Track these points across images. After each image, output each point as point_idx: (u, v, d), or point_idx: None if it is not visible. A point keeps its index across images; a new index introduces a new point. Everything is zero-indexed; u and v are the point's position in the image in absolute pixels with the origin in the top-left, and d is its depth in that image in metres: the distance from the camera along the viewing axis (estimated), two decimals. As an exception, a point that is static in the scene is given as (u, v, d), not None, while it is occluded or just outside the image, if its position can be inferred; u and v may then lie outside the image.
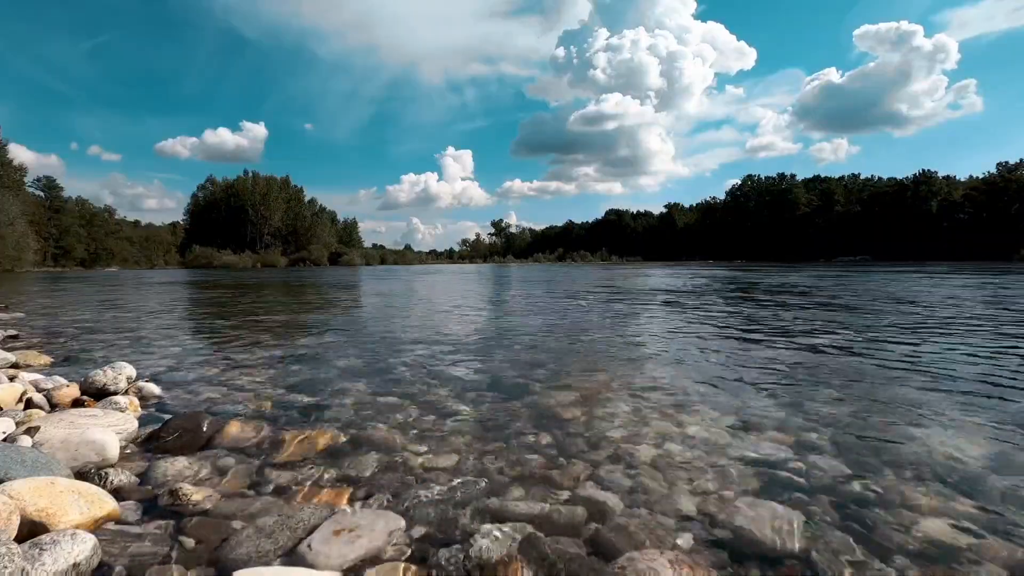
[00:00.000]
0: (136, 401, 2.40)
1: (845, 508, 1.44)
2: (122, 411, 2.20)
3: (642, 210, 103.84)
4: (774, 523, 1.34)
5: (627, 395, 2.62)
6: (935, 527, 1.33)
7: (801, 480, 1.62)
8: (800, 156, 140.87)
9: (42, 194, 57.74)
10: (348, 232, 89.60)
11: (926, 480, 1.61)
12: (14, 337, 4.52)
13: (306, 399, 2.56)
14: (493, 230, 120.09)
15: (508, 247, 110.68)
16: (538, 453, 1.85)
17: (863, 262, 47.17)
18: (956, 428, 2.08)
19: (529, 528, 1.34)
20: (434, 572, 1.17)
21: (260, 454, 1.84)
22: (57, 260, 54.80)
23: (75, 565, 1.08)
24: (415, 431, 2.09)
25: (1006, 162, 61.09)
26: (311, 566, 1.16)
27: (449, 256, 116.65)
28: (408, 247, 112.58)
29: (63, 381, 2.56)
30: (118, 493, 1.49)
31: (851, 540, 1.28)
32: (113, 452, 1.72)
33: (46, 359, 3.47)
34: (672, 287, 12.20)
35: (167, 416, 2.20)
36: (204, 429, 1.99)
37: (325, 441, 1.95)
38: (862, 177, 75.87)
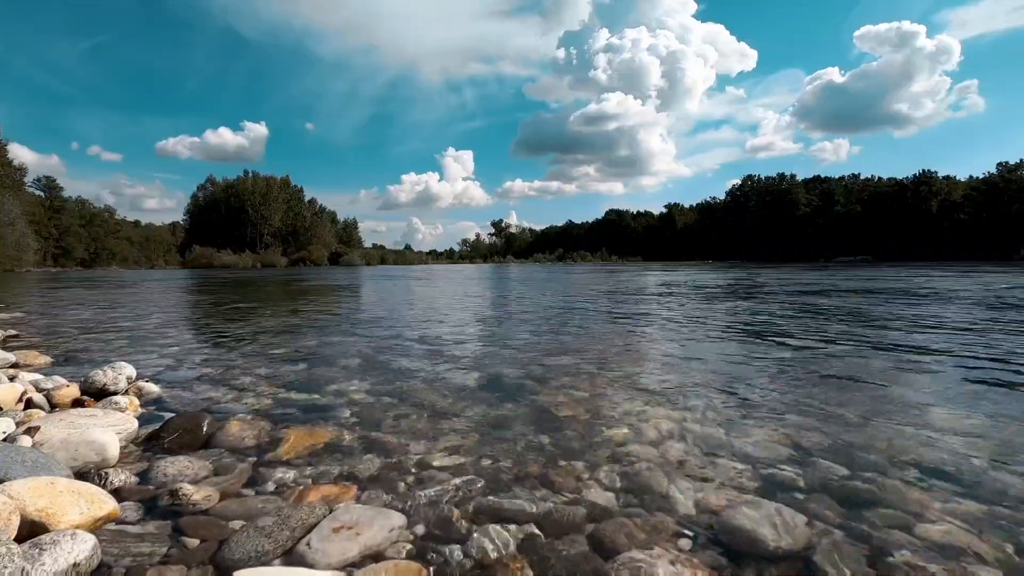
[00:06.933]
0: (136, 401, 2.40)
1: (845, 507, 1.44)
2: (122, 411, 2.20)
3: (642, 210, 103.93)
4: (774, 523, 1.33)
5: (627, 395, 2.62)
6: (935, 526, 1.33)
7: (801, 479, 1.62)
8: (801, 156, 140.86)
9: (42, 194, 57.81)
10: (348, 232, 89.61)
11: (926, 479, 1.61)
12: (14, 337, 4.52)
13: (306, 398, 2.56)
14: (493, 230, 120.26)
15: (508, 247, 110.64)
16: (538, 452, 1.85)
17: (863, 262, 47.16)
18: (957, 427, 2.08)
19: (529, 527, 1.34)
20: (434, 570, 1.17)
21: (260, 453, 1.84)
22: (57, 260, 54.81)
23: (75, 565, 1.08)
24: (415, 430, 2.09)
25: (1006, 162, 61.10)
26: (311, 565, 1.16)
27: (449, 256, 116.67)
28: (408, 247, 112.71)
29: (63, 381, 2.56)
30: (118, 493, 1.49)
31: (851, 540, 1.28)
32: (113, 452, 1.72)
33: (46, 359, 3.47)
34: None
35: (167, 415, 2.20)
36: (204, 428, 1.99)
37: (325, 440, 1.95)
38: (862, 177, 75.78)
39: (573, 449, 1.89)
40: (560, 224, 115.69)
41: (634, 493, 1.54)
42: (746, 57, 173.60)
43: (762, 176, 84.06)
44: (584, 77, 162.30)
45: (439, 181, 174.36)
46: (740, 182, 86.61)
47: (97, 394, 2.44)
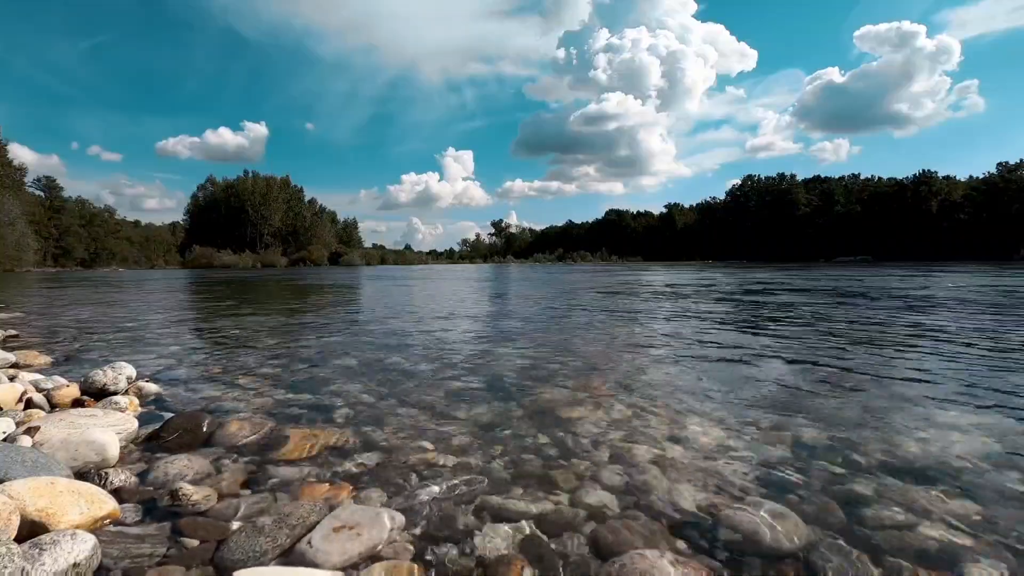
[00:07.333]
0: (136, 401, 2.40)
1: (844, 508, 1.44)
2: (122, 411, 2.19)
3: (642, 210, 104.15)
4: (773, 523, 1.33)
5: (627, 396, 2.62)
6: (934, 527, 1.33)
7: (800, 480, 1.62)
8: (800, 156, 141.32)
9: (42, 194, 57.93)
10: (348, 232, 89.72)
11: (925, 479, 1.61)
12: (14, 337, 4.51)
13: (306, 398, 2.56)
14: (493, 230, 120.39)
15: (508, 247, 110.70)
16: (538, 453, 1.85)
17: (863, 262, 47.17)
18: (956, 427, 2.08)
19: (529, 527, 1.34)
20: (435, 570, 1.17)
21: (260, 452, 1.84)
22: (57, 260, 54.86)
23: (75, 565, 1.07)
24: (415, 430, 2.09)
25: (1006, 162, 61.15)
26: (311, 564, 1.16)
27: (449, 256, 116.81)
28: (408, 247, 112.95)
29: (63, 381, 2.56)
30: (118, 493, 1.49)
31: (850, 540, 1.27)
32: (113, 452, 1.72)
33: (46, 359, 3.47)
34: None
35: (167, 415, 2.20)
36: (204, 428, 1.99)
37: (325, 439, 1.95)
38: (862, 177, 75.83)
39: (573, 449, 1.89)
40: (560, 224, 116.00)
41: (634, 493, 1.54)
42: (746, 57, 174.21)
43: (762, 176, 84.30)
44: (584, 77, 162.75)
45: (439, 181, 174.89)
46: (740, 182, 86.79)
47: (97, 394, 2.43)
